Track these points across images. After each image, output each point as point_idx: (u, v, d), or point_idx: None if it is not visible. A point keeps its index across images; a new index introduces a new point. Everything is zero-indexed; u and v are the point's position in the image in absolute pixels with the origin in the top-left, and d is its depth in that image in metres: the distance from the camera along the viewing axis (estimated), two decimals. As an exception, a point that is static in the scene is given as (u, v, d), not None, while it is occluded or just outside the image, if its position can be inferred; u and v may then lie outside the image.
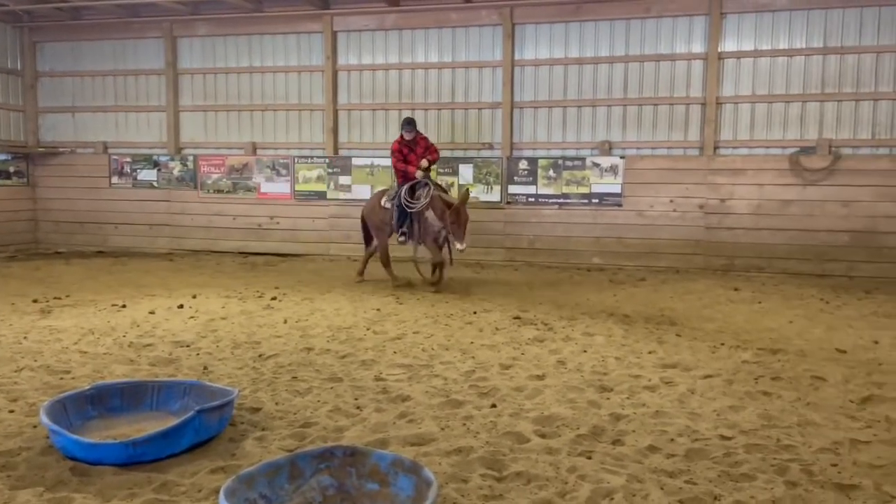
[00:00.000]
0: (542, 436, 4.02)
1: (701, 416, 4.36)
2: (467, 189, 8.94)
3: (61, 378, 5.06)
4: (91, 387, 4.26)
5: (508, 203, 11.52)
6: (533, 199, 11.43)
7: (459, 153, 11.68)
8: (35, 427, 4.03)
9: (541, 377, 5.17)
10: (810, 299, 8.50)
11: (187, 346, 6.02)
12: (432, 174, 9.34)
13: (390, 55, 11.98)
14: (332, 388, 4.88)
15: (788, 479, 3.47)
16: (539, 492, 3.32)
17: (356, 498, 3.19)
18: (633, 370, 5.35)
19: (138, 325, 6.76)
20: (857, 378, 5.17)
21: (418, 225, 8.90)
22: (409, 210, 8.88)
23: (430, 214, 8.73)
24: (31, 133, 13.65)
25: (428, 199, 8.71)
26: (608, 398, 4.70)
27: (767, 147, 10.58)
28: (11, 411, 4.33)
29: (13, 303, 7.89)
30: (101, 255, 12.79)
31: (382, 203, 9.30)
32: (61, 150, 13.60)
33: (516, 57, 11.40)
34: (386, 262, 9.40)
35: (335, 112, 12.26)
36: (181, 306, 7.66)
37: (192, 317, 7.19)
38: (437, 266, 8.90)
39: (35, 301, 7.99)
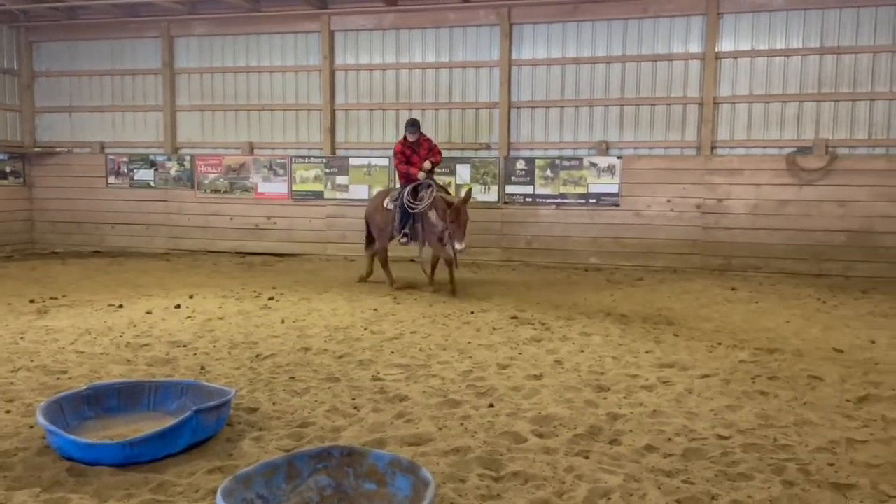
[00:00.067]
0: (540, 435, 4.02)
1: (698, 415, 4.37)
2: (469, 189, 8.91)
3: (58, 378, 5.05)
4: (88, 387, 4.25)
5: (506, 203, 11.52)
6: (530, 199, 11.43)
7: (457, 153, 11.67)
8: (31, 427, 4.02)
9: (538, 377, 5.17)
10: (807, 299, 8.52)
11: (184, 346, 6.01)
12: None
13: (388, 55, 11.98)
14: (329, 388, 4.88)
15: (785, 478, 3.47)
16: (536, 491, 3.32)
17: (354, 498, 3.19)
18: (631, 370, 5.36)
19: (135, 325, 6.75)
20: (854, 377, 5.18)
21: (421, 226, 8.84)
22: (411, 211, 8.83)
23: (432, 215, 8.66)
24: (28, 133, 13.63)
25: (431, 200, 8.63)
26: (605, 398, 4.70)
27: (764, 147, 10.60)
28: (8, 412, 4.32)
29: (10, 303, 7.88)
30: (98, 255, 12.77)
31: (385, 204, 9.25)
32: (58, 149, 13.57)
33: (514, 57, 11.41)
34: (384, 263, 9.40)
35: (332, 112, 12.26)
36: (178, 306, 7.65)
37: (189, 317, 7.18)
38: (448, 265, 8.74)
39: (32, 301, 7.97)
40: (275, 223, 12.57)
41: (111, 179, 13.28)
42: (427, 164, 8.95)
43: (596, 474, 3.48)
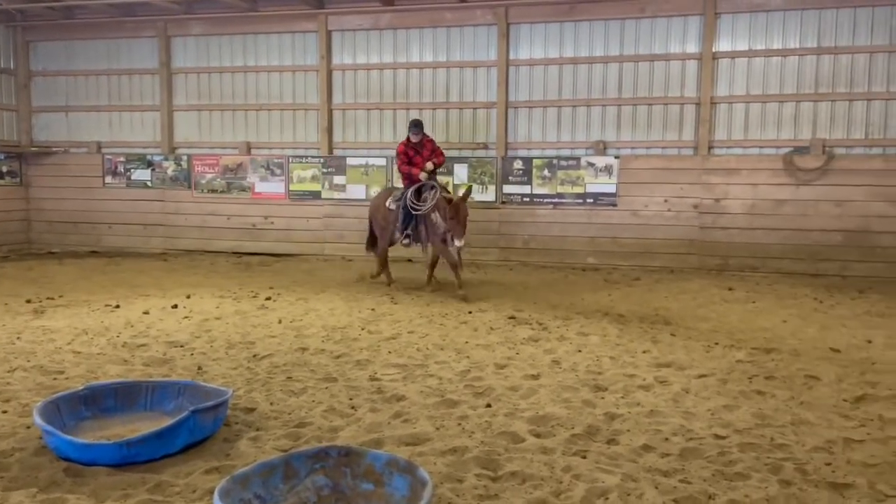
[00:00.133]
0: (537, 435, 4.02)
1: (695, 415, 4.37)
2: (469, 187, 8.88)
3: (55, 378, 5.04)
4: (85, 387, 4.25)
5: (503, 203, 11.52)
6: (528, 199, 11.43)
7: (454, 153, 11.66)
8: (28, 428, 4.01)
9: (536, 377, 5.17)
10: (804, 299, 8.53)
11: (181, 346, 6.01)
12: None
13: (385, 55, 11.97)
14: (326, 388, 4.88)
15: (782, 477, 3.48)
16: (534, 491, 3.32)
17: (351, 498, 3.19)
18: (628, 370, 5.36)
19: (132, 326, 6.74)
20: (851, 377, 5.19)
21: (424, 227, 8.76)
22: (414, 212, 8.75)
23: (436, 217, 8.57)
24: (25, 132, 13.60)
25: (434, 202, 8.54)
26: (603, 398, 4.71)
27: (761, 147, 10.61)
28: (4, 412, 4.32)
29: (6, 303, 7.86)
30: (95, 255, 12.75)
31: (388, 204, 9.17)
32: (55, 149, 13.54)
33: (511, 57, 11.40)
34: (384, 262, 9.39)
35: (330, 112, 12.25)
36: (175, 306, 7.64)
37: (186, 317, 7.17)
38: (453, 268, 8.64)
39: (28, 301, 7.96)
40: (272, 223, 12.55)
41: (108, 179, 13.26)
42: (429, 165, 8.87)
43: (593, 474, 3.48)
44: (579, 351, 5.93)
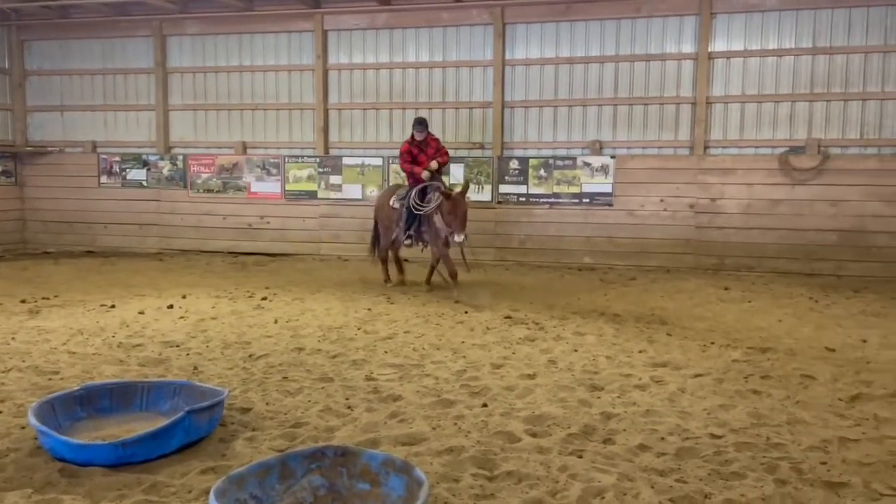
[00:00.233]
0: (534, 435, 4.02)
1: (691, 414, 4.38)
2: (467, 181, 8.82)
3: (50, 379, 5.02)
4: (80, 387, 4.24)
5: (499, 203, 11.53)
6: (524, 199, 11.44)
7: (451, 153, 11.64)
8: (23, 428, 4.00)
9: (532, 376, 5.17)
10: (799, 298, 8.55)
11: (177, 346, 6.00)
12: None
13: (381, 54, 11.97)
14: (322, 388, 4.87)
15: (778, 477, 3.49)
16: (530, 491, 3.33)
17: (347, 498, 3.18)
18: (624, 369, 5.37)
19: (128, 326, 6.72)
20: (846, 376, 5.20)
21: (427, 228, 8.65)
22: (417, 213, 8.64)
23: (437, 219, 8.44)
24: (20, 132, 13.56)
25: (438, 203, 8.39)
26: (599, 397, 4.71)
27: (757, 147, 10.63)
28: (-1, 412, 4.31)
29: (1, 303, 7.83)
30: (90, 254, 12.72)
31: (391, 202, 9.08)
32: (50, 149, 13.51)
33: (507, 56, 11.41)
34: (384, 260, 9.37)
35: (326, 111, 12.24)
36: (171, 306, 7.63)
37: (181, 317, 7.16)
38: (452, 277, 8.55)
39: (23, 301, 7.94)
40: (268, 223, 12.54)
41: (103, 179, 13.23)
42: (433, 164, 8.76)
43: (589, 473, 3.49)
44: (575, 351, 5.93)
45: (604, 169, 11.09)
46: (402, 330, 6.66)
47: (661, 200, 10.91)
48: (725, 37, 10.59)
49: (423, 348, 5.97)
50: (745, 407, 4.50)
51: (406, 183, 9.21)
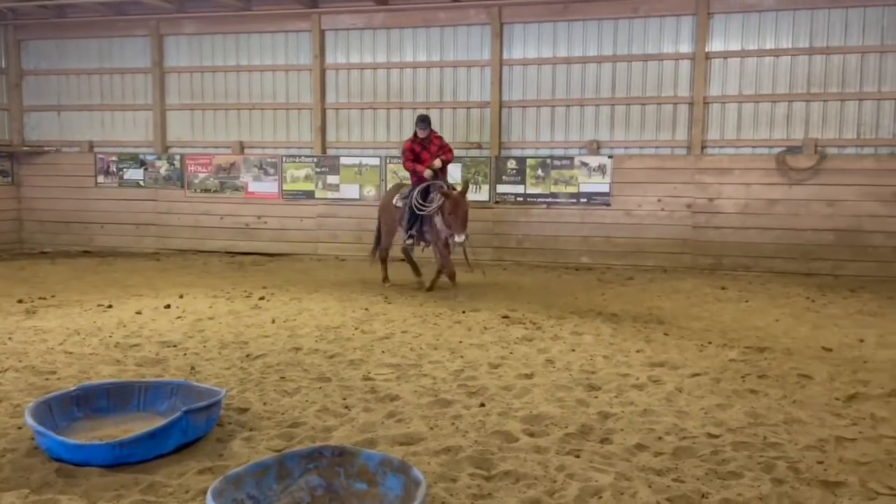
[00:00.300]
0: (531, 434, 4.02)
1: (688, 414, 4.38)
2: (467, 180, 8.76)
3: (47, 379, 5.02)
4: (77, 387, 4.23)
5: (497, 203, 11.53)
6: (521, 199, 11.44)
7: (448, 152, 11.67)
8: (20, 428, 3.99)
9: (529, 376, 5.17)
10: (796, 298, 8.56)
11: (174, 346, 5.99)
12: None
13: (378, 54, 11.96)
14: (320, 387, 4.87)
15: (775, 476, 3.49)
16: (527, 490, 3.33)
17: (345, 498, 3.18)
18: (622, 369, 5.37)
19: (125, 326, 6.71)
20: (843, 376, 5.21)
21: (429, 228, 8.56)
22: (419, 213, 8.55)
23: (438, 221, 8.34)
24: (16, 132, 13.53)
25: (440, 203, 8.27)
26: (596, 397, 4.71)
27: (754, 146, 10.64)
28: (-4, 412, 4.30)
29: (-2, 303, 7.83)
30: (87, 254, 12.70)
31: (394, 201, 9.01)
32: (46, 148, 13.48)
33: (505, 56, 11.41)
34: (384, 259, 9.36)
35: (323, 111, 12.23)
36: (168, 306, 7.62)
37: (179, 317, 7.15)
38: (450, 278, 8.51)
39: (20, 301, 7.92)
40: (265, 223, 12.53)
41: (100, 179, 13.21)
42: (437, 163, 8.65)
43: (587, 473, 3.49)
44: (573, 350, 5.94)
45: (601, 169, 11.10)
46: (399, 330, 6.65)
47: (659, 200, 10.92)
48: (722, 37, 10.60)
49: (421, 348, 5.97)
50: (742, 406, 4.51)
51: (410, 182, 9.13)
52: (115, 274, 10.29)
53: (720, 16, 10.58)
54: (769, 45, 10.45)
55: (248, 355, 5.70)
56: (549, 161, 11.29)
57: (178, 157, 12.84)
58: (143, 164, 12.97)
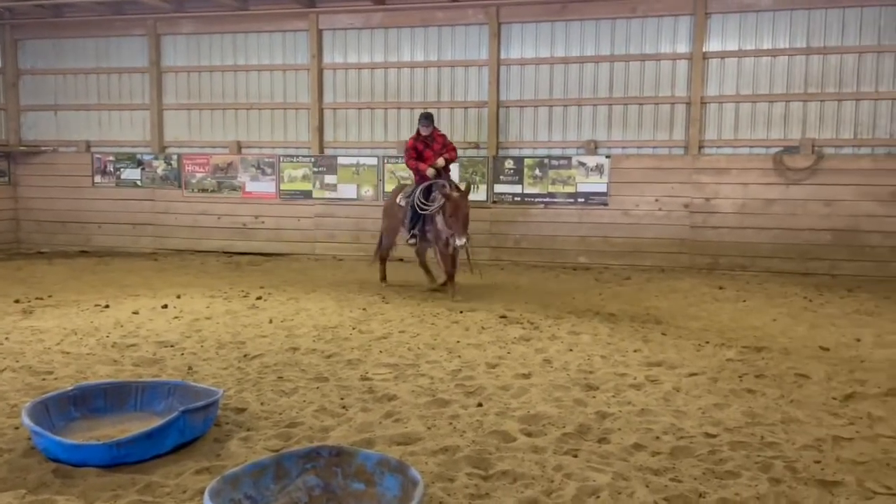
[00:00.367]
0: (529, 434, 4.03)
1: (686, 413, 4.38)
2: (468, 183, 8.74)
3: (44, 379, 5.01)
4: (74, 387, 4.23)
5: (494, 202, 11.53)
6: (519, 199, 11.44)
7: (445, 152, 11.66)
8: (17, 429, 3.99)
9: (527, 376, 5.18)
10: (794, 297, 8.57)
11: (171, 346, 5.98)
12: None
13: (376, 54, 11.96)
14: (317, 387, 4.87)
15: (772, 475, 3.50)
16: (525, 490, 3.33)
17: (342, 498, 3.18)
18: (619, 368, 5.38)
19: (122, 326, 6.71)
20: (840, 375, 5.22)
21: (431, 228, 8.47)
22: (421, 212, 8.48)
23: (439, 220, 8.26)
24: (13, 131, 13.50)
25: (442, 202, 8.17)
26: (594, 396, 4.71)
27: (751, 146, 10.65)
28: (-8, 413, 4.29)
29: (-6, 303, 7.82)
30: (84, 254, 12.68)
31: (398, 200, 8.95)
32: (43, 148, 13.45)
33: (502, 56, 11.41)
34: (384, 258, 9.34)
35: (321, 111, 12.22)
36: (165, 306, 7.61)
37: (176, 317, 7.14)
38: (449, 278, 8.47)
39: (17, 301, 7.90)
40: (263, 223, 12.52)
41: (97, 178, 13.19)
42: (440, 161, 8.56)
43: (584, 473, 3.49)
44: (570, 350, 5.94)
45: (599, 169, 11.10)
46: (397, 329, 6.65)
47: (656, 200, 10.92)
48: (720, 37, 10.61)
49: (419, 348, 5.97)
50: (739, 406, 4.51)
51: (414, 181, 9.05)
52: (112, 274, 10.28)
53: (717, 16, 10.59)
54: (766, 45, 10.46)
55: (245, 355, 5.70)
56: (546, 161, 11.29)
57: (175, 157, 12.82)
58: (140, 163, 12.96)
